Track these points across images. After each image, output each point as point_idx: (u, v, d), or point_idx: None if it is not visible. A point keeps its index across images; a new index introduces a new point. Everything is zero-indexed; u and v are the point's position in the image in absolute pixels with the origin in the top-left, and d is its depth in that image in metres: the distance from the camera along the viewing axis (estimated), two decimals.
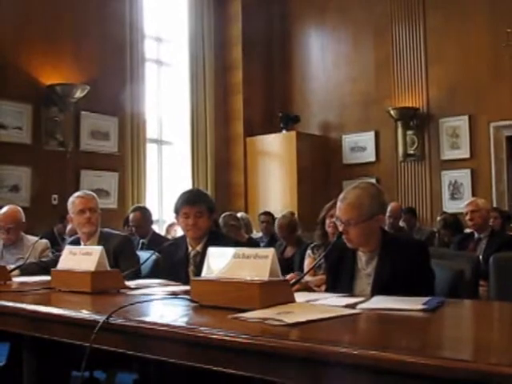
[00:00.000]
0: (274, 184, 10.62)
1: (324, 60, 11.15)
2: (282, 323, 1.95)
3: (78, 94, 8.58)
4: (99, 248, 3.19)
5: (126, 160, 9.43)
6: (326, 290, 3.13)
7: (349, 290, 2.94)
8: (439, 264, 3.06)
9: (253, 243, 6.63)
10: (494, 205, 8.79)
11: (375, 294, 2.75)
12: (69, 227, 6.98)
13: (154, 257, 4.01)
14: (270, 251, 2.36)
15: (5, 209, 4.89)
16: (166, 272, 3.78)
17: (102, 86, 8.96)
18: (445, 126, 9.91)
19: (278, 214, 7.49)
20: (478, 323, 2.35)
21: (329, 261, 3.21)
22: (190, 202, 3.72)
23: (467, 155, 9.69)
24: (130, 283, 3.22)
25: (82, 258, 3.19)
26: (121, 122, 9.42)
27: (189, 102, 10.65)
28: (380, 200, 3.01)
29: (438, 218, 7.96)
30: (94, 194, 4.35)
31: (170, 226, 8.53)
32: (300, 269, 4.62)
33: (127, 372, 3.95)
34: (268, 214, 8.03)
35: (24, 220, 4.87)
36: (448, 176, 9.85)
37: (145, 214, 6.90)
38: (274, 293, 2.29)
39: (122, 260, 3.92)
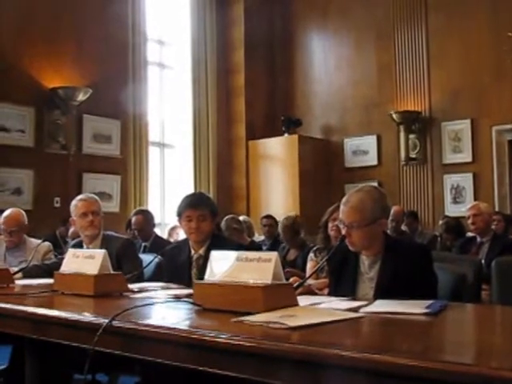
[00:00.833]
0: (276, 187, 10.62)
1: (326, 63, 11.16)
2: (285, 326, 1.95)
3: (81, 97, 8.60)
4: (102, 251, 3.19)
5: (128, 163, 9.44)
6: (329, 294, 3.13)
7: (351, 294, 2.94)
8: (441, 268, 3.06)
9: (255, 246, 6.63)
10: (496, 209, 8.79)
11: (378, 297, 2.75)
12: (71, 230, 6.99)
13: (156, 260, 4.01)
14: (273, 255, 2.37)
15: (8, 212, 4.90)
16: (168, 275, 3.78)
17: (105, 89, 8.97)
18: (447, 130, 9.91)
19: (280, 218, 7.49)
20: (480, 327, 2.35)
21: (331, 264, 3.21)
22: (193, 205, 3.73)
23: (469, 159, 9.69)
24: (133, 286, 3.23)
25: (84, 261, 3.19)
26: (123, 125, 9.42)
27: (191, 105, 10.66)
28: (383, 204, 3.02)
29: (440, 222, 7.96)
30: (97, 198, 4.36)
31: (172, 229, 8.53)
32: (303, 272, 4.62)
33: (129, 375, 3.95)
34: (270, 217, 8.03)
35: (27, 223, 4.88)
36: (450, 180, 9.85)
37: (147, 217, 6.90)
38: (278, 296, 2.29)
39: (124, 263, 3.93)
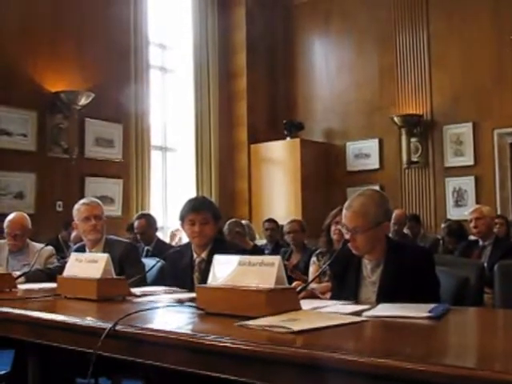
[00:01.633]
0: (278, 191, 10.62)
1: (328, 67, 11.16)
2: (289, 331, 1.95)
3: (83, 101, 8.61)
4: (105, 255, 3.19)
5: (130, 167, 9.44)
6: (331, 298, 3.13)
7: (354, 298, 2.94)
8: (444, 271, 3.07)
9: (258, 250, 6.63)
10: (498, 212, 8.79)
11: (380, 301, 2.75)
12: (73, 234, 7.00)
13: (159, 264, 4.01)
14: (276, 259, 2.37)
15: (12, 215, 4.91)
16: (170, 279, 3.78)
17: (107, 92, 8.99)
18: (449, 133, 9.91)
19: (282, 221, 7.51)
20: (483, 331, 2.36)
21: (334, 268, 3.21)
22: (196, 209, 3.73)
23: (471, 162, 9.68)
24: (136, 290, 3.23)
25: (87, 265, 3.20)
26: (125, 128, 9.43)
27: (193, 108, 10.67)
28: (385, 207, 3.02)
29: (443, 226, 7.96)
30: (100, 202, 4.36)
31: (174, 232, 8.55)
32: (305, 275, 4.63)
33: (132, 379, 3.95)
34: (272, 221, 8.01)
35: (30, 227, 4.89)
36: (452, 183, 9.85)
37: (149, 221, 6.91)
38: (280, 300, 2.29)
39: (127, 267, 3.92)
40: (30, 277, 4.06)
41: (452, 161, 9.86)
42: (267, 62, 11.51)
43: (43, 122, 8.49)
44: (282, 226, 7.02)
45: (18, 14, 8.26)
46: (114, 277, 3.18)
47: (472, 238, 6.43)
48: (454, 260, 4.67)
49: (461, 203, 9.68)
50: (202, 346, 1.94)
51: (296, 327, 1.97)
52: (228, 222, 6.56)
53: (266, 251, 7.26)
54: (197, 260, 3.76)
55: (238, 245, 4.70)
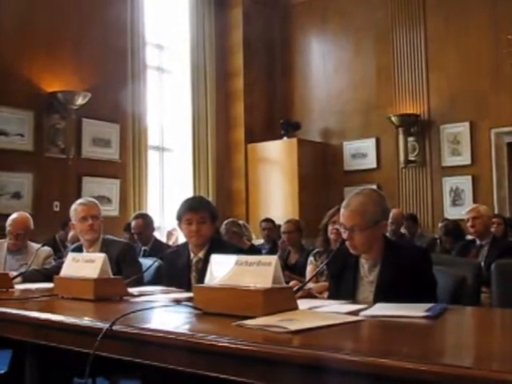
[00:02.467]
0: (275, 191, 10.62)
1: (325, 67, 11.17)
2: (285, 330, 1.95)
3: (80, 101, 8.60)
4: (102, 255, 3.19)
5: (127, 167, 9.44)
6: (329, 297, 3.13)
7: (351, 298, 2.95)
8: (441, 271, 3.07)
9: (255, 250, 6.63)
10: (496, 211, 8.79)
11: (378, 300, 2.75)
12: (71, 234, 6.99)
13: (156, 264, 4.01)
14: (273, 258, 2.37)
15: (15, 215, 4.92)
16: (168, 279, 3.78)
17: (104, 93, 8.98)
18: (446, 133, 9.92)
19: (279, 221, 7.52)
20: (480, 330, 2.36)
21: (331, 268, 3.21)
22: (193, 208, 3.73)
23: (468, 162, 9.69)
24: (133, 290, 3.23)
25: (84, 265, 3.20)
26: (122, 129, 9.42)
27: (190, 108, 10.67)
28: (383, 206, 3.02)
29: (440, 225, 7.95)
30: (97, 202, 4.35)
31: (170, 232, 8.54)
32: (302, 276, 4.63)
33: (130, 379, 3.95)
34: (269, 220, 8.03)
35: (32, 227, 4.88)
36: (449, 182, 9.86)
37: (147, 221, 6.91)
38: (277, 300, 2.29)
39: (124, 267, 3.93)
40: (27, 277, 4.06)
41: (449, 160, 9.87)
42: (264, 61, 11.51)
43: (40, 122, 8.48)
44: (280, 226, 7.03)
45: (14, 15, 8.25)
46: (111, 277, 3.18)
47: (469, 237, 6.44)
48: (451, 259, 4.67)
49: (458, 203, 9.69)
50: (200, 345, 1.94)
51: (293, 327, 1.97)
52: (225, 222, 6.56)
53: (264, 251, 7.27)
54: (194, 260, 3.76)
55: (236, 244, 4.70)
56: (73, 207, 4.27)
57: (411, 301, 2.52)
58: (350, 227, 2.93)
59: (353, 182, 10.03)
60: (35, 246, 4.81)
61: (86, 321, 2.40)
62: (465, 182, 9.70)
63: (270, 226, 7.88)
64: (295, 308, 2.36)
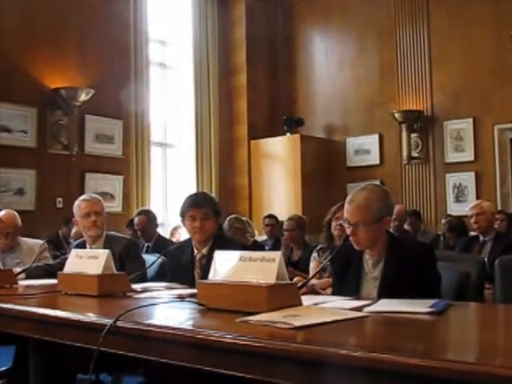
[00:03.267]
0: (279, 187, 10.62)
1: (328, 63, 11.15)
2: (290, 326, 1.95)
3: (83, 97, 8.60)
4: (106, 251, 3.19)
5: (130, 163, 9.44)
6: (333, 293, 3.13)
7: (355, 294, 2.94)
8: (445, 267, 3.07)
9: (258, 246, 6.64)
10: (499, 207, 8.79)
11: (382, 296, 2.75)
12: (74, 230, 7.00)
13: (159, 260, 4.01)
14: (277, 254, 2.37)
15: (2, 213, 4.87)
16: (171, 275, 3.79)
17: (107, 89, 8.98)
18: (449, 129, 9.90)
19: (282, 217, 7.51)
20: (483, 326, 2.35)
21: (335, 264, 3.21)
22: (197, 204, 3.73)
23: (471, 158, 9.68)
24: (137, 286, 3.23)
25: (88, 261, 3.20)
26: (125, 125, 9.42)
27: (193, 105, 10.67)
28: (387, 202, 3.01)
29: (443, 221, 7.96)
30: (100, 198, 4.35)
31: (175, 228, 8.55)
32: (306, 272, 4.63)
33: (133, 375, 3.96)
34: (272, 217, 8.03)
35: (20, 224, 4.84)
36: (452, 179, 9.85)
37: (150, 218, 6.92)
38: (282, 296, 2.29)
39: (127, 263, 3.93)
40: (31, 273, 4.06)
41: (452, 156, 9.86)
42: (267, 58, 11.51)
43: (43, 118, 8.49)
44: (283, 222, 7.02)
45: (18, 11, 8.25)
46: (115, 273, 3.18)
47: (472, 233, 6.44)
48: (454, 256, 4.68)
49: (461, 199, 9.68)
50: (203, 341, 1.94)
51: (297, 323, 1.97)
52: (228, 218, 6.56)
53: (266, 247, 7.27)
54: (197, 256, 3.76)
55: (239, 241, 4.71)
56: (76, 203, 4.27)
57: (415, 297, 2.52)
58: (353, 223, 2.92)
59: (356, 178, 10.05)
60: (28, 241, 4.79)
61: (90, 317, 2.40)
62: (468, 179, 9.69)
63: (272, 222, 7.88)
64: (299, 304, 2.36)
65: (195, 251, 3.77)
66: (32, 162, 8.30)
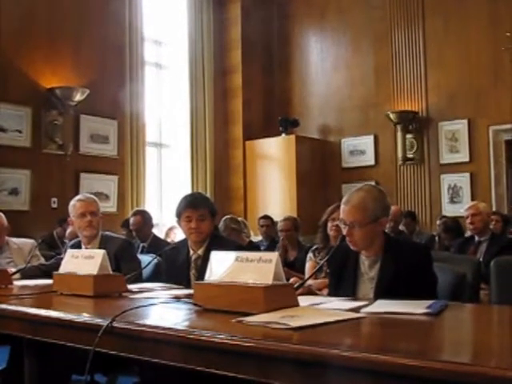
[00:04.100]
0: (274, 187, 10.62)
1: (323, 64, 11.16)
2: (287, 327, 1.95)
3: (78, 97, 8.59)
4: (101, 251, 3.18)
5: (125, 163, 9.43)
6: (329, 294, 3.13)
7: (352, 294, 2.95)
8: (441, 267, 3.07)
9: (254, 247, 6.63)
10: (494, 208, 8.80)
11: (378, 297, 2.75)
12: (69, 230, 6.99)
13: (155, 260, 4.01)
14: (274, 255, 2.36)
15: None
16: (167, 276, 3.78)
17: (102, 89, 8.97)
18: (444, 130, 9.92)
19: (277, 218, 7.51)
20: (479, 327, 2.35)
21: (332, 265, 3.21)
22: (193, 205, 3.72)
23: (466, 159, 9.69)
24: (132, 287, 3.22)
25: (83, 261, 3.19)
26: (120, 125, 9.42)
27: (188, 105, 10.67)
28: (384, 203, 3.02)
29: (438, 222, 7.97)
30: (95, 198, 4.34)
31: (170, 229, 8.54)
32: (301, 273, 4.62)
33: (128, 375, 3.95)
34: (268, 217, 8.03)
35: (6, 223, 4.77)
36: (447, 180, 9.86)
37: (145, 218, 6.91)
38: (278, 297, 2.29)
39: (123, 263, 3.93)
40: (26, 273, 4.05)
41: (447, 157, 9.87)
42: (262, 58, 11.51)
43: (38, 118, 8.47)
44: (278, 223, 7.02)
45: (13, 10, 8.23)
46: (111, 273, 3.18)
47: (467, 234, 6.45)
48: (450, 256, 4.68)
49: (456, 200, 9.70)
50: (199, 342, 1.93)
51: (294, 323, 1.97)
52: (224, 219, 6.55)
53: (262, 248, 7.27)
54: (193, 257, 3.75)
55: (235, 241, 4.69)
56: (71, 203, 4.26)
57: (412, 298, 2.52)
58: (349, 223, 2.93)
59: (351, 179, 10.06)
60: (16, 241, 4.75)
61: (86, 317, 2.40)
62: (463, 180, 9.71)
63: (268, 222, 7.88)
64: (296, 305, 2.35)
65: (191, 252, 3.77)
66: (27, 162, 8.28)
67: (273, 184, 10.65)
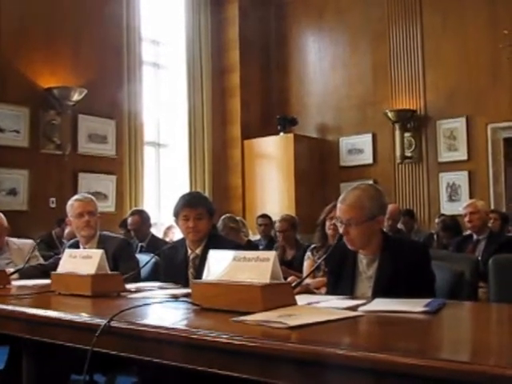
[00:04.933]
0: (272, 186, 10.62)
1: (321, 63, 11.16)
2: (285, 326, 1.95)
3: (76, 97, 8.59)
4: (99, 251, 3.18)
5: (123, 163, 9.43)
6: (327, 293, 3.13)
7: (350, 293, 2.94)
8: (439, 266, 3.07)
9: (252, 246, 6.63)
10: (492, 206, 8.80)
11: (376, 296, 2.75)
12: (67, 230, 6.99)
13: (153, 260, 4.00)
14: (272, 254, 2.36)
15: None
16: (165, 275, 3.78)
17: (100, 89, 8.97)
18: (442, 128, 9.92)
19: (275, 217, 7.50)
20: (478, 325, 2.35)
21: (330, 264, 3.21)
22: (190, 204, 3.72)
23: (465, 157, 9.70)
24: (130, 286, 3.22)
25: (82, 261, 3.19)
26: (118, 124, 9.41)
27: (186, 104, 10.66)
28: (380, 201, 3.02)
29: (437, 220, 7.97)
30: (93, 197, 4.34)
31: (168, 228, 8.54)
32: (299, 272, 4.62)
33: (127, 375, 3.95)
34: (266, 216, 8.02)
35: (6, 224, 4.76)
36: (446, 178, 9.87)
37: (143, 218, 6.91)
38: (276, 295, 2.29)
39: (121, 263, 3.92)
40: (24, 273, 4.04)
41: (445, 156, 9.88)
42: (260, 57, 11.51)
43: (36, 118, 8.47)
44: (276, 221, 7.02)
45: (12, 11, 8.22)
46: (109, 272, 3.17)
47: (466, 232, 6.45)
48: (448, 255, 4.68)
49: (454, 198, 9.70)
50: (198, 341, 1.93)
51: (292, 322, 1.97)
52: (222, 218, 6.55)
53: (260, 247, 7.27)
54: (191, 256, 3.75)
55: (233, 240, 4.69)
56: (69, 203, 4.26)
57: (410, 296, 2.52)
58: (346, 221, 2.93)
59: (349, 178, 10.06)
60: (16, 241, 4.74)
61: (84, 317, 2.39)
62: (461, 178, 9.71)
63: (266, 222, 7.88)
64: (294, 304, 2.35)
65: (189, 251, 3.77)
66: (25, 162, 8.28)
67: (271, 183, 10.65)
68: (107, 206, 8.99)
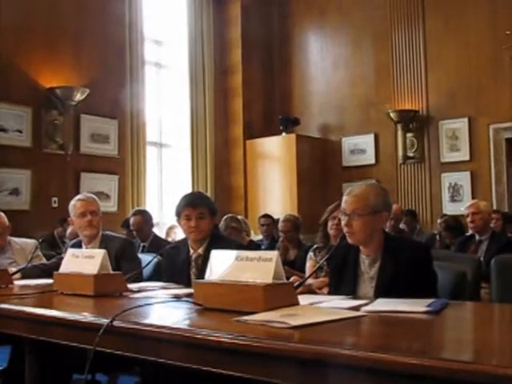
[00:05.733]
0: (274, 186, 10.62)
1: (324, 63, 11.16)
2: (287, 326, 1.95)
3: (78, 96, 8.59)
4: (102, 251, 3.18)
5: (125, 163, 9.43)
6: (329, 293, 3.13)
7: (352, 293, 2.94)
8: (441, 266, 3.07)
9: (254, 246, 6.63)
10: (494, 207, 8.79)
11: (378, 296, 2.75)
12: (69, 230, 6.98)
13: (155, 260, 4.01)
14: (274, 254, 2.36)
15: None
16: (167, 275, 3.78)
17: (102, 88, 8.97)
18: (444, 129, 9.91)
19: (277, 217, 7.50)
20: (480, 325, 2.35)
21: (332, 264, 3.21)
22: (192, 204, 3.72)
23: (467, 157, 9.69)
24: (133, 286, 3.22)
25: (84, 261, 3.19)
26: (121, 124, 9.41)
27: (188, 104, 10.66)
28: (385, 199, 3.03)
29: (439, 221, 7.96)
30: (96, 197, 4.34)
31: (170, 228, 8.54)
32: (302, 272, 4.62)
33: (129, 375, 3.95)
34: (268, 216, 8.02)
35: (8, 223, 4.76)
36: (448, 178, 9.86)
37: (145, 218, 6.90)
38: (278, 295, 2.29)
39: (123, 263, 3.92)
40: (27, 273, 4.04)
41: (448, 156, 9.87)
42: (263, 57, 11.51)
43: (38, 118, 8.47)
44: (278, 220, 7.01)
45: (13, 10, 8.22)
46: (111, 272, 3.17)
47: (468, 233, 6.44)
48: (451, 255, 4.68)
49: (456, 198, 9.70)
50: (200, 341, 1.94)
51: (294, 322, 1.97)
52: (224, 218, 6.54)
53: (262, 247, 7.27)
54: (193, 256, 3.75)
55: (235, 240, 4.69)
56: (72, 203, 4.26)
57: (412, 296, 2.52)
58: (350, 212, 2.95)
59: (351, 178, 10.05)
60: (18, 241, 4.74)
61: (86, 317, 2.40)
62: (463, 178, 9.70)
63: (268, 221, 7.88)
64: (296, 303, 2.35)
65: (191, 251, 3.77)
66: (27, 162, 8.28)
67: (273, 183, 10.64)
68: (109, 205, 8.99)
